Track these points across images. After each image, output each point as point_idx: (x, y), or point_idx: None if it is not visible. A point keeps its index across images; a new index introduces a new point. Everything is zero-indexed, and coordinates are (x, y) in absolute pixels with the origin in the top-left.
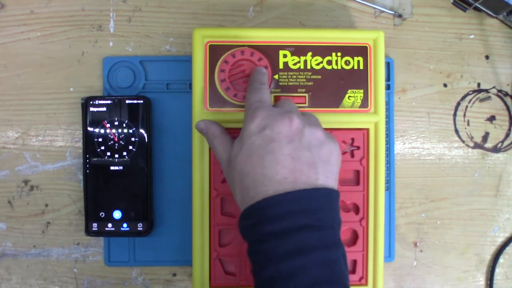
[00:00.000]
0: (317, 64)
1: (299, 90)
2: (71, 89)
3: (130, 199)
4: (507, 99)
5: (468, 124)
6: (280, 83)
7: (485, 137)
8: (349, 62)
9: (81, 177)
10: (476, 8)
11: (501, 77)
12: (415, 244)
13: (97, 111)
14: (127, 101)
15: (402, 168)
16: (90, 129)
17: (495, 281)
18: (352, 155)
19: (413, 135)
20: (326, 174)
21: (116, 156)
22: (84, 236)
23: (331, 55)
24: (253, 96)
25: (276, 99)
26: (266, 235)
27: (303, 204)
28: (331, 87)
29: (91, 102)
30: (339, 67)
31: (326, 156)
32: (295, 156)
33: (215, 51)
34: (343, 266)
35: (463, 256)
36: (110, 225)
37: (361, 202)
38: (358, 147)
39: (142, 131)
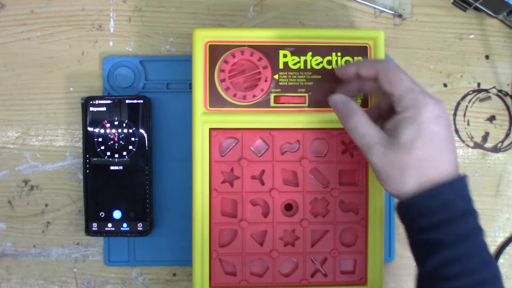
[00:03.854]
0: (317, 64)
1: (299, 90)
2: (71, 89)
3: (130, 199)
4: (507, 99)
5: (468, 124)
6: (280, 83)
7: (485, 137)
8: (349, 62)
9: (81, 177)
10: (476, 8)
11: (501, 77)
12: None
13: (97, 111)
14: (127, 101)
15: None
16: (90, 129)
17: None
18: (352, 155)
19: None
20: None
21: (116, 156)
22: (84, 236)
23: (331, 55)
24: (405, 80)
25: (276, 99)
26: (434, 224)
27: (463, 191)
28: (331, 87)
29: (91, 102)
30: None
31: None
32: (452, 143)
33: (215, 51)
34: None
35: None
36: (110, 225)
37: (361, 202)
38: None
39: (142, 131)
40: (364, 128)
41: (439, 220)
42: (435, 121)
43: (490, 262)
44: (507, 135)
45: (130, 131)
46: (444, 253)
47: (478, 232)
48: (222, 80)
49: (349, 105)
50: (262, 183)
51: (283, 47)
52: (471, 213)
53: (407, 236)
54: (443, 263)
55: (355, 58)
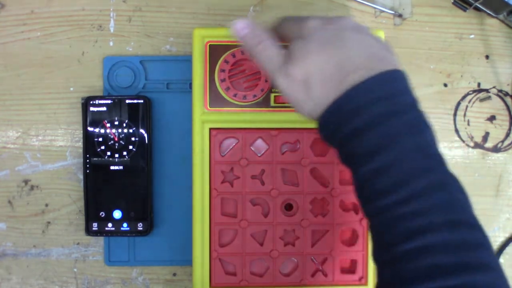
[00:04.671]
0: None
1: None
2: (71, 89)
3: (130, 199)
4: (507, 99)
5: (468, 124)
6: None
7: (485, 137)
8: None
9: (81, 177)
10: (476, 8)
11: (501, 77)
12: None
13: (97, 111)
14: (127, 101)
15: None
16: (90, 129)
17: None
18: None
19: None
20: (394, 57)
21: (116, 156)
22: (84, 236)
23: None
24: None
25: (276, 99)
26: (351, 134)
27: (383, 90)
28: None
29: (91, 102)
30: None
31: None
32: (366, 43)
33: (215, 51)
34: (437, 147)
35: None
36: (110, 224)
37: None
38: None
39: (142, 131)
40: (271, 51)
41: (358, 126)
42: (323, 29)
43: (431, 166)
44: (507, 135)
45: (130, 131)
46: (363, 168)
47: (415, 129)
48: (222, 80)
49: (256, 30)
50: (262, 183)
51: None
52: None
53: (338, 153)
54: (372, 175)
55: None
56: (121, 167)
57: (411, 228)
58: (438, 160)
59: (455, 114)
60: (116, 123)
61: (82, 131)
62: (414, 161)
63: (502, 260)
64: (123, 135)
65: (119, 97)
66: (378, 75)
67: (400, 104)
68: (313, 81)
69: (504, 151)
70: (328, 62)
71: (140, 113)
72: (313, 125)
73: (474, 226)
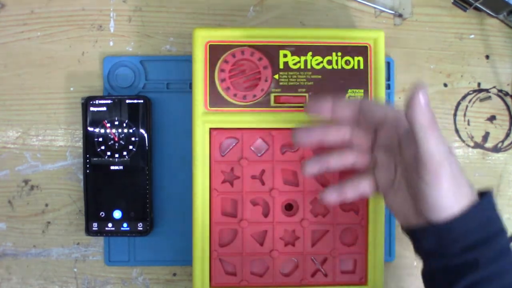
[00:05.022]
0: (317, 64)
1: (299, 90)
2: (71, 89)
3: (130, 199)
4: (508, 99)
5: (468, 124)
6: (280, 83)
7: (485, 137)
8: (350, 62)
9: (81, 177)
10: (476, 8)
11: (501, 77)
12: None
13: (97, 111)
14: (127, 101)
15: None
16: (90, 129)
17: None
18: None
19: None
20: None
21: (116, 156)
22: (84, 236)
23: (331, 55)
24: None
25: (276, 99)
26: (475, 244)
27: (495, 208)
28: (331, 87)
29: (91, 102)
30: (340, 67)
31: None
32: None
33: (215, 51)
34: None
35: None
36: (110, 224)
37: (361, 202)
38: None
39: (142, 131)
40: (441, 138)
41: (476, 241)
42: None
43: None
44: (507, 135)
45: (130, 131)
46: (477, 274)
47: (509, 250)
48: (222, 80)
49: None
50: (262, 183)
51: (283, 47)
52: (505, 231)
53: (430, 265)
54: (474, 284)
55: (355, 58)
56: (121, 167)
57: None
58: None
59: (455, 114)
60: (116, 123)
61: (82, 131)
62: None
63: None
64: (123, 135)
65: (119, 97)
66: (488, 194)
67: (503, 223)
68: (462, 179)
69: (504, 151)
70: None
71: (140, 113)
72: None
73: None
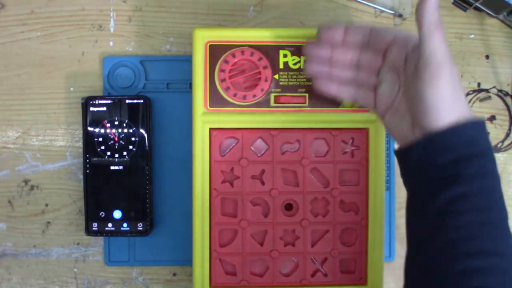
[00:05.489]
0: None
1: (299, 90)
2: (71, 89)
3: (130, 199)
4: (507, 99)
5: None
6: (280, 83)
7: None
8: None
9: (81, 177)
10: (476, 8)
11: (501, 77)
12: None
13: (97, 111)
14: (127, 101)
15: None
16: (90, 129)
17: None
18: (352, 155)
19: None
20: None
21: (116, 156)
22: (84, 236)
23: None
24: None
25: (276, 99)
26: (459, 158)
27: (485, 132)
28: None
29: (91, 102)
30: None
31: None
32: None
33: (215, 51)
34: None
35: None
36: (110, 224)
37: (361, 202)
38: (358, 147)
39: (142, 131)
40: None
41: (461, 155)
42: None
43: (500, 204)
44: (507, 135)
45: (130, 131)
46: (457, 188)
47: (494, 175)
48: (222, 80)
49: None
50: (262, 183)
51: (283, 47)
52: (491, 155)
53: (412, 174)
54: (454, 199)
55: None
56: (121, 167)
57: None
58: (502, 199)
59: None
60: (116, 123)
61: (82, 131)
62: (492, 196)
63: None
64: (123, 135)
65: (119, 97)
66: (482, 119)
67: (492, 149)
68: (462, 92)
69: (504, 151)
70: (456, 96)
71: (140, 113)
72: (313, 125)
73: None
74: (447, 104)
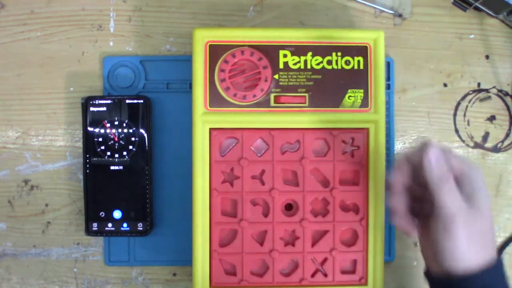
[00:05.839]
0: (317, 64)
1: (299, 90)
2: (71, 89)
3: (130, 199)
4: (507, 99)
5: (468, 124)
6: (280, 83)
7: (485, 137)
8: (349, 62)
9: (81, 177)
10: (476, 8)
11: (501, 77)
12: (415, 244)
13: (97, 111)
14: (127, 101)
15: None
16: (90, 129)
17: None
18: (352, 155)
19: (413, 135)
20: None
21: (116, 156)
22: (84, 236)
23: (331, 55)
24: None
25: (276, 99)
26: None
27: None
28: (331, 87)
29: (91, 102)
30: (339, 67)
31: None
32: None
33: (215, 51)
34: None
35: None
36: (110, 224)
37: (361, 202)
38: (358, 147)
39: (142, 131)
40: (455, 193)
41: None
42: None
43: None
44: (507, 135)
45: (130, 131)
46: None
47: None
48: (222, 80)
49: (445, 166)
50: (262, 183)
51: (283, 47)
52: None
53: None
54: None
55: (355, 58)
56: (121, 167)
57: None
58: None
59: (455, 114)
60: (116, 123)
61: (82, 131)
62: None
63: None
64: (123, 135)
65: (119, 97)
66: (501, 259)
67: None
68: (486, 236)
69: (504, 151)
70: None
71: (140, 113)
72: (313, 125)
73: None
74: (461, 252)
